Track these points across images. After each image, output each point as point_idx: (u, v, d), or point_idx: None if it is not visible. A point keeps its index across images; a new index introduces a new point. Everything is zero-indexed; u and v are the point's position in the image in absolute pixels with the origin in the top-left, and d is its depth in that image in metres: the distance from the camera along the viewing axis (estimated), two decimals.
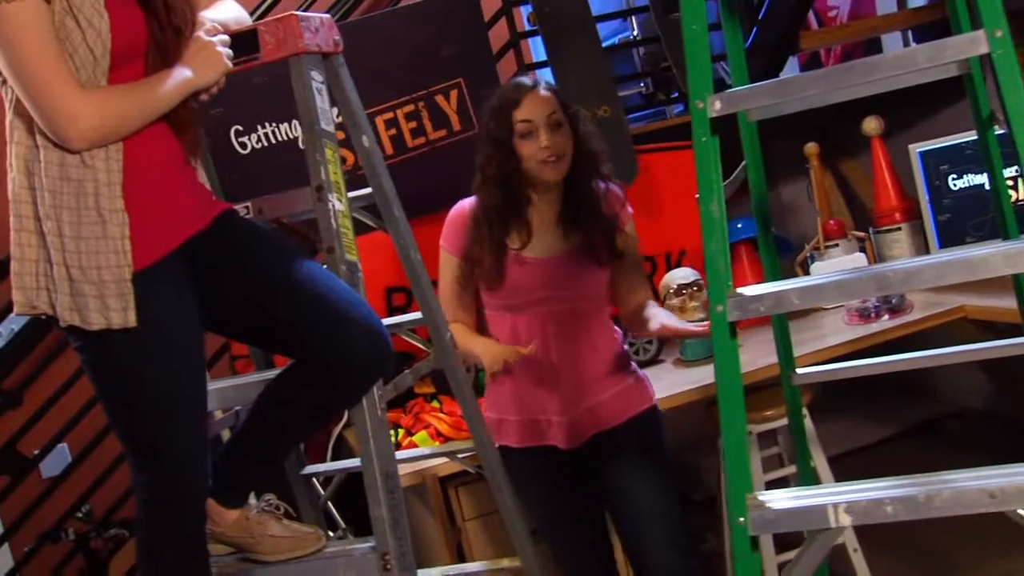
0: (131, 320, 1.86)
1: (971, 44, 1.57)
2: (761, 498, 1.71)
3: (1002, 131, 3.30)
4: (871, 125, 3.80)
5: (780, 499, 1.72)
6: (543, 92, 2.53)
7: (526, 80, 2.58)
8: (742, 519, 1.69)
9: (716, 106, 1.76)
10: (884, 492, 1.62)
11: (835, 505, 1.61)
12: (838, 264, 3.71)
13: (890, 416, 4.53)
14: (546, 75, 4.00)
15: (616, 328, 2.68)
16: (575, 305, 2.56)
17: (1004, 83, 1.54)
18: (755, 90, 1.80)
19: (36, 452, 3.71)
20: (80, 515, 3.38)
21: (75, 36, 1.84)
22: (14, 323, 4.01)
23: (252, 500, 2.13)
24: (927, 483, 1.62)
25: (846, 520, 1.60)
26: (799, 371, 2.39)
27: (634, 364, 2.69)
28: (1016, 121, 1.54)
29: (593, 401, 2.55)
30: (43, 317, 1.93)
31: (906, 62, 1.66)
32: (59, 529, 3.23)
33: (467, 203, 2.62)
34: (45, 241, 1.88)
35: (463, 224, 2.60)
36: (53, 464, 4.15)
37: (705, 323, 2.28)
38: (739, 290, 1.78)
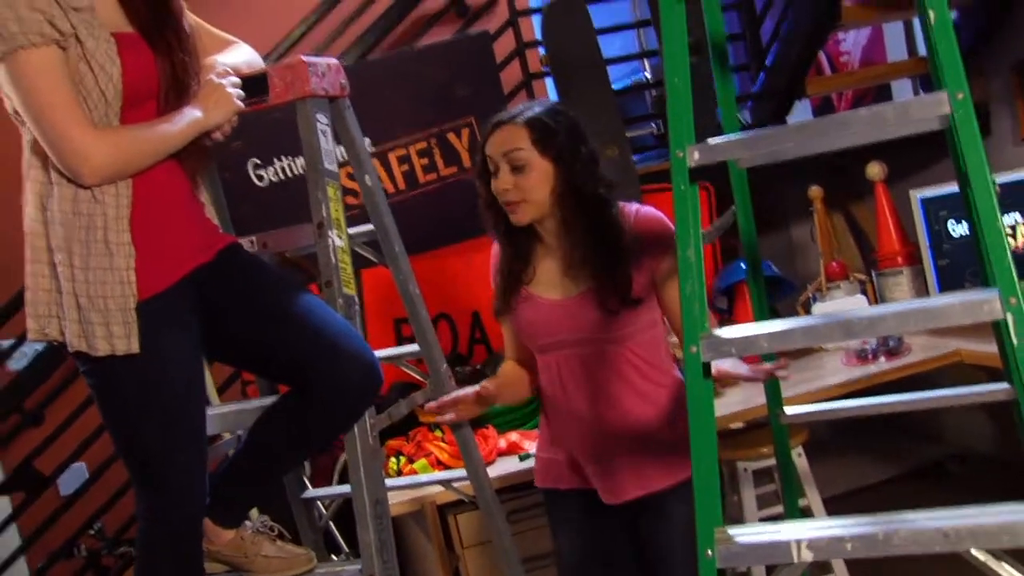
0: (134, 347, 1.95)
1: (935, 105, 1.63)
2: (730, 532, 1.77)
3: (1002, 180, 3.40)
4: (874, 170, 3.90)
5: (746, 534, 1.78)
6: (510, 126, 2.31)
7: (506, 113, 2.35)
8: (710, 552, 1.75)
9: (695, 156, 1.82)
10: (845, 530, 1.67)
11: (798, 541, 1.66)
12: (839, 305, 3.78)
13: (894, 457, 4.58)
14: None
15: (674, 374, 2.43)
16: (603, 348, 2.34)
17: (965, 142, 1.61)
18: (732, 142, 1.88)
19: (55, 469, 3.80)
20: (92, 532, 3.47)
21: (88, 80, 1.94)
22: (37, 345, 4.12)
23: (248, 521, 2.21)
24: (887, 522, 1.67)
25: (808, 556, 1.66)
26: (787, 410, 2.43)
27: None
28: (975, 178, 1.60)
29: (637, 456, 2.33)
30: (54, 343, 2.02)
31: (876, 119, 1.73)
32: (72, 546, 3.31)
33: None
34: (56, 272, 1.97)
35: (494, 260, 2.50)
36: (70, 482, 4.22)
37: (763, 367, 2.30)
38: (714, 331, 1.84)
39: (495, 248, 2.47)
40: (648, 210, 2.38)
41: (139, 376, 1.99)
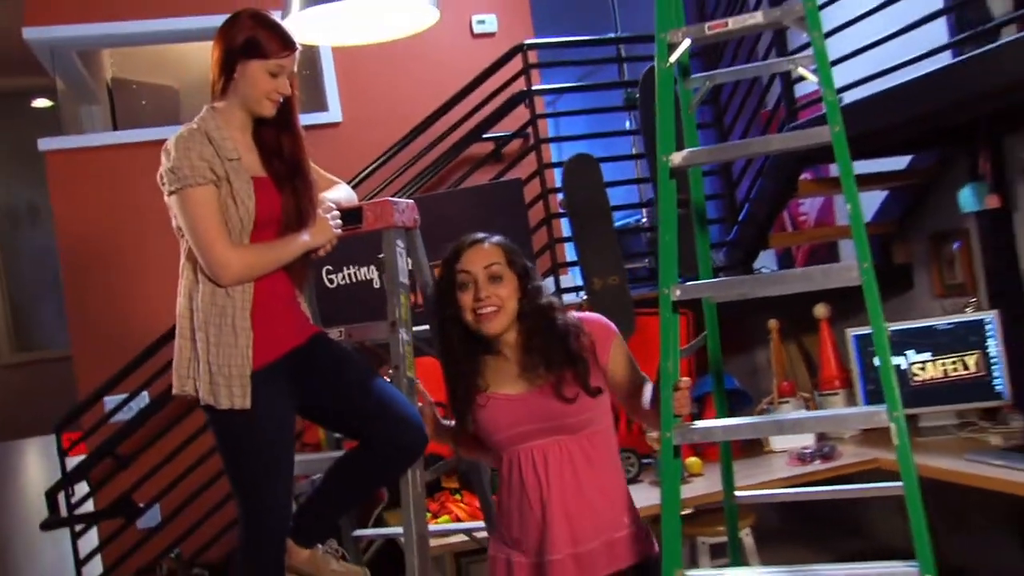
0: (247, 404, 2.22)
1: (849, 271, 1.95)
2: (687, 572, 2.06)
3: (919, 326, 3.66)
4: (820, 311, 4.13)
5: (699, 574, 2.06)
6: (486, 245, 2.33)
7: (475, 235, 2.37)
8: None
9: (677, 293, 2.13)
10: (771, 572, 1.96)
11: None
12: None
13: (826, 547, 4.68)
14: (569, 249, 4.37)
15: (622, 475, 2.37)
16: (562, 438, 2.25)
17: (868, 300, 1.93)
18: (704, 284, 2.21)
19: (145, 503, 4.06)
20: (172, 555, 3.69)
21: (231, 210, 2.25)
22: (142, 401, 4.42)
23: (320, 544, 2.41)
24: (802, 570, 1.96)
25: None
26: (738, 494, 2.63)
27: (640, 522, 2.32)
28: (874, 324, 1.92)
29: (583, 546, 2.21)
30: (188, 397, 2.29)
31: (807, 277, 2.06)
32: (155, 565, 3.54)
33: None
34: (196, 346, 2.26)
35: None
36: (147, 519, 4.43)
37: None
38: (683, 423, 2.15)
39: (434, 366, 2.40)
40: (588, 316, 2.37)
41: (249, 426, 2.24)
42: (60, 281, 4.98)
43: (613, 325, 2.37)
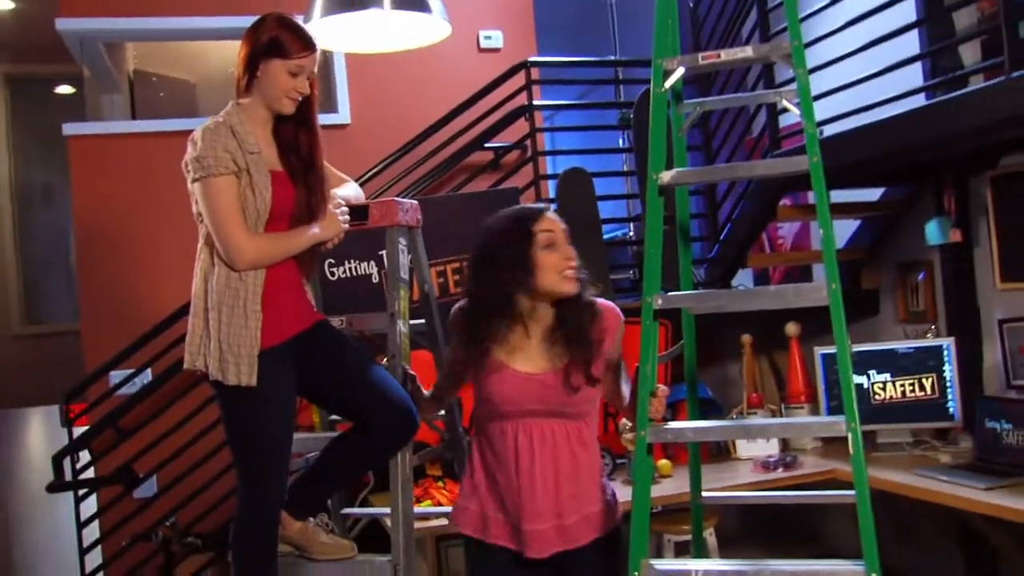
0: (253, 381, 2.28)
1: (819, 290, 2.03)
2: (652, 562, 2.12)
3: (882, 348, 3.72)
4: (791, 329, 4.18)
5: (663, 564, 2.13)
6: (555, 216, 2.28)
7: (540, 205, 2.32)
8: (636, 574, 2.11)
9: (658, 302, 2.21)
10: (730, 566, 2.03)
11: (696, 570, 2.03)
12: None
13: (786, 550, 4.59)
14: None
15: (600, 452, 2.38)
16: (561, 421, 2.26)
17: (834, 317, 2.01)
18: (684, 296, 2.28)
19: (144, 474, 4.11)
20: (168, 524, 3.73)
21: (249, 200, 2.31)
22: (145, 377, 4.47)
23: (312, 518, 2.49)
24: (760, 565, 2.03)
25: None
26: (704, 494, 2.70)
27: (610, 487, 2.36)
28: (839, 342, 2.00)
29: (567, 519, 2.24)
30: (198, 372, 2.35)
31: (779, 295, 2.15)
32: (151, 532, 3.58)
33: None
34: (208, 324, 2.32)
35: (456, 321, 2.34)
36: (143, 489, 4.44)
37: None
38: (657, 424, 2.22)
39: (456, 314, 2.34)
40: (605, 303, 2.31)
41: (253, 402, 2.30)
42: (70, 260, 5.04)
43: (621, 315, 2.34)
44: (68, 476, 4.23)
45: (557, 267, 2.21)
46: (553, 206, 2.31)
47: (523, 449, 2.25)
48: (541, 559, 2.23)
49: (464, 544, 2.37)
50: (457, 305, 2.34)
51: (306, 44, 2.37)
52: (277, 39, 2.34)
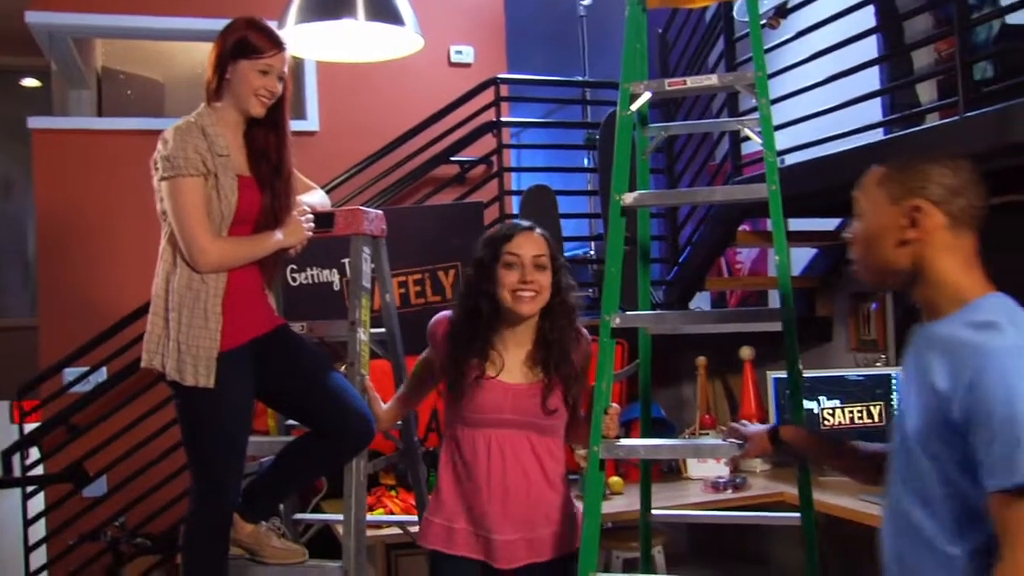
0: (211, 383, 2.27)
1: (769, 315, 2.08)
2: (600, 574, 2.14)
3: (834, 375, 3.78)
4: (745, 352, 4.18)
5: None
6: (536, 234, 2.33)
7: (524, 222, 2.39)
8: None
9: (616, 320, 2.25)
10: None
11: None
12: None
13: (732, 572, 4.71)
14: None
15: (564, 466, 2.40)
16: (534, 433, 2.30)
17: (787, 339, 2.05)
18: (642, 315, 2.32)
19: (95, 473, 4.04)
20: (117, 524, 3.68)
21: (215, 203, 2.31)
22: (100, 376, 4.40)
23: (264, 522, 2.47)
24: None
25: None
26: (654, 511, 2.70)
27: (576, 504, 2.39)
28: (790, 360, 2.04)
29: (537, 531, 2.28)
30: (155, 371, 2.34)
31: (734, 317, 2.19)
32: (100, 531, 3.53)
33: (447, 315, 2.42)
34: (168, 324, 2.30)
35: (440, 330, 2.40)
36: (92, 489, 4.32)
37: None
38: (609, 440, 2.24)
39: (440, 322, 2.40)
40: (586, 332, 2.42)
41: (210, 403, 2.29)
42: (27, 254, 4.95)
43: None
44: (17, 473, 4.16)
45: (510, 286, 2.28)
46: (535, 226, 2.38)
47: (495, 458, 2.28)
48: (508, 570, 2.26)
49: (429, 558, 2.38)
50: (443, 312, 2.41)
51: (274, 43, 2.38)
52: (245, 39, 2.35)
